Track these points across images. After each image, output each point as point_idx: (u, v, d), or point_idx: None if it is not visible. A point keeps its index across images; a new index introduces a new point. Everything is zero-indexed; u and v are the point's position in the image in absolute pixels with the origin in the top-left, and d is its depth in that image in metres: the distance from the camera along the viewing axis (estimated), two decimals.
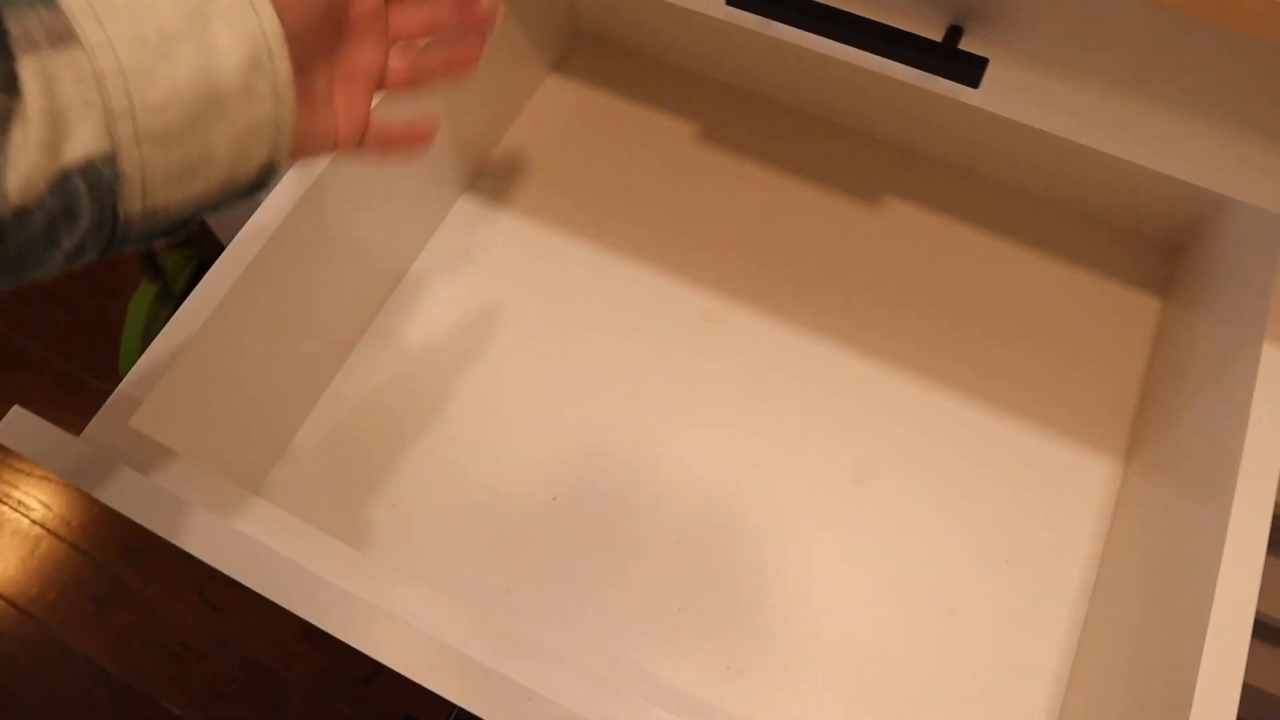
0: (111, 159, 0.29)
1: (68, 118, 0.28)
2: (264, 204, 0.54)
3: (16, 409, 0.46)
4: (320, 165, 0.55)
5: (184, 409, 0.51)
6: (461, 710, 0.57)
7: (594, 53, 0.76)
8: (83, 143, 0.29)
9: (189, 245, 1.29)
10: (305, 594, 0.42)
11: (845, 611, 0.56)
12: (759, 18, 0.48)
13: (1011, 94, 0.46)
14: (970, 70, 0.43)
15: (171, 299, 1.23)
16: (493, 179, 0.71)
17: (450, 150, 0.66)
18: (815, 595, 0.56)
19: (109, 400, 0.49)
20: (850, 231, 0.68)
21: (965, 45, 0.44)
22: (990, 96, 0.46)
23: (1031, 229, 0.68)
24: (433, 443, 0.61)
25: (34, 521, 1.22)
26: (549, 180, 0.70)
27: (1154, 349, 0.63)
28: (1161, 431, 0.57)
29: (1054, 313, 0.65)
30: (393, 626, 0.41)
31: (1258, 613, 0.76)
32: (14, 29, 0.27)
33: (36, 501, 1.23)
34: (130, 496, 0.44)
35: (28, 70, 0.27)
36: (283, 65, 0.33)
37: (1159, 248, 0.66)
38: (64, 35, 0.28)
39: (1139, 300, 0.65)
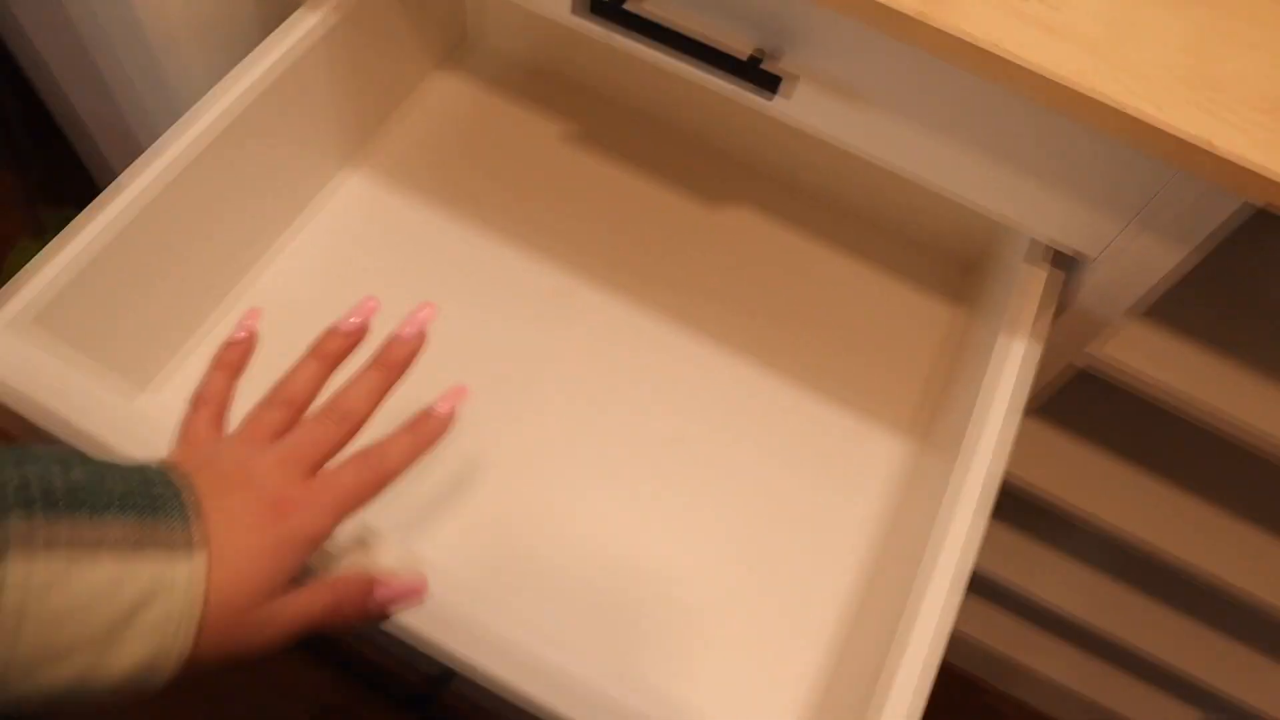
0: None
1: None
2: (154, 152, 0.58)
3: None
4: (204, 121, 0.59)
5: (79, 319, 0.55)
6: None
7: (477, 56, 0.83)
8: None
9: (73, 203, 1.30)
10: None
11: (658, 556, 0.63)
12: (603, 30, 0.56)
13: (803, 109, 0.54)
14: (767, 84, 0.51)
15: None
16: (369, 158, 0.76)
17: (332, 128, 0.72)
18: (631, 545, 0.63)
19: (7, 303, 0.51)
20: (691, 231, 0.76)
21: (768, 66, 0.53)
22: (786, 109, 0.55)
23: (850, 241, 0.77)
24: None
25: None
26: (422, 165, 0.77)
27: (942, 346, 0.73)
28: (937, 413, 0.66)
29: (862, 312, 0.74)
30: None
31: (982, 570, 0.89)
32: None
33: None
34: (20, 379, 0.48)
35: None
36: (166, 674, 0.34)
37: (955, 264, 0.76)
38: None
39: (934, 306, 0.75)
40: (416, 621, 0.44)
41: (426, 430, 0.43)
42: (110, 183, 0.58)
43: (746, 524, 0.65)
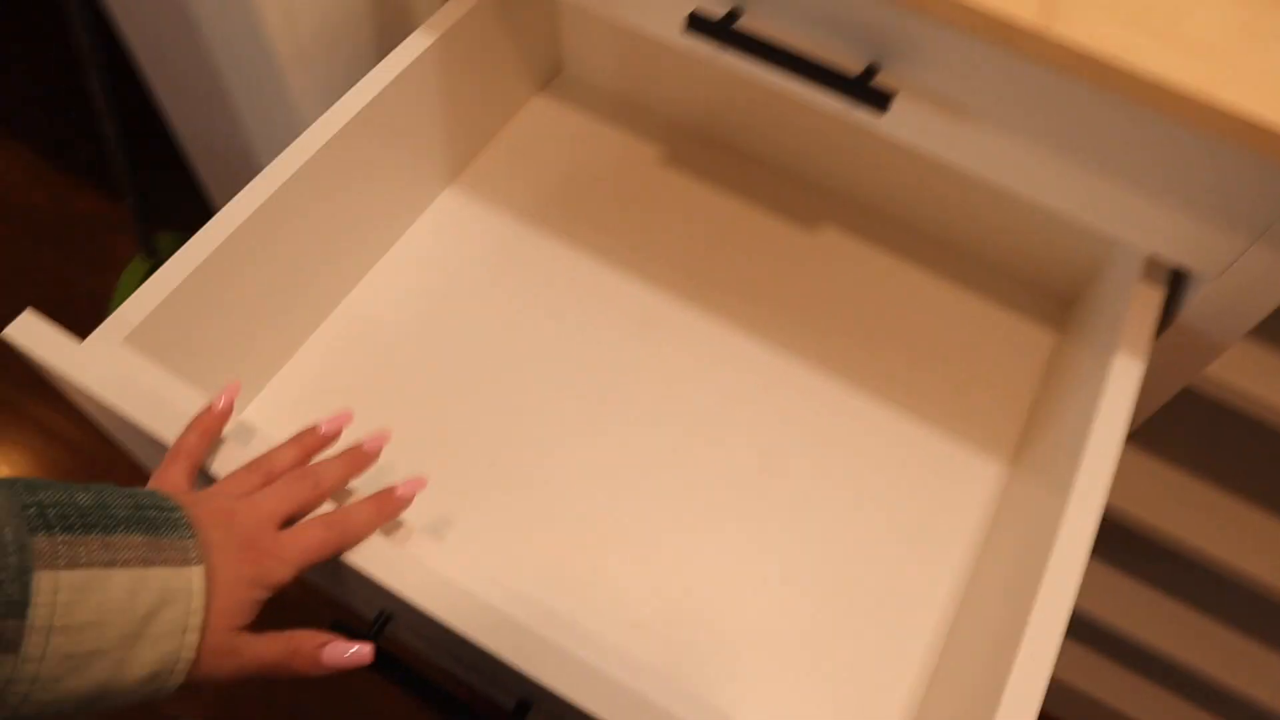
0: None
1: None
2: (261, 175, 0.60)
3: (29, 312, 0.50)
4: (316, 145, 0.61)
5: (169, 340, 0.57)
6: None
7: (574, 82, 0.85)
8: None
9: (183, 228, 1.36)
10: None
11: (744, 585, 0.63)
12: (712, 49, 0.57)
13: (909, 127, 0.55)
14: (878, 100, 0.52)
15: None
16: (473, 179, 0.79)
17: (439, 148, 0.74)
18: (718, 568, 0.63)
19: (108, 319, 0.53)
20: (784, 255, 0.77)
21: (878, 81, 0.53)
22: (892, 127, 0.55)
23: (946, 268, 0.77)
24: (382, 414, 0.68)
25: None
26: (523, 187, 0.79)
27: (1041, 372, 0.71)
28: (1036, 439, 0.65)
29: (959, 338, 0.73)
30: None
31: (1085, 614, 0.84)
32: None
33: (7, 463, 1.28)
34: (130, 399, 0.49)
35: None
36: (178, 679, 0.39)
37: (1055, 293, 0.75)
38: (10, 644, 0.33)
39: (1033, 331, 0.74)
40: (494, 641, 0.44)
41: (387, 506, 0.47)
42: (218, 189, 0.60)
43: (834, 550, 0.64)
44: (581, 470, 0.66)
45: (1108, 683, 0.99)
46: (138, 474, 1.25)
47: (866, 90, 0.52)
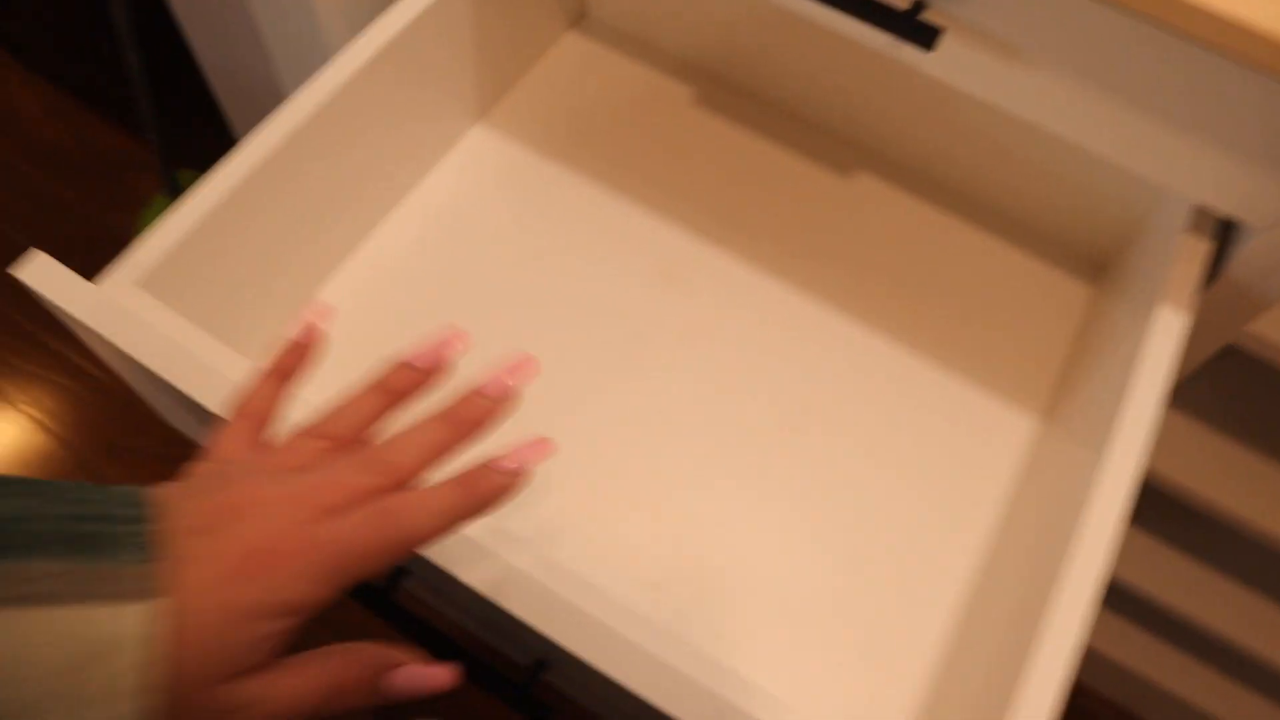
0: None
1: None
2: (280, 110, 0.58)
3: (38, 253, 0.47)
4: (340, 80, 0.59)
5: (188, 281, 0.55)
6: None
7: (602, 22, 0.83)
8: None
9: (206, 166, 1.35)
10: None
11: (764, 544, 0.62)
12: None
13: (955, 65, 0.53)
14: (926, 35, 0.50)
15: None
16: (501, 117, 0.77)
17: (467, 84, 0.73)
18: (738, 527, 0.62)
19: (119, 259, 0.51)
20: (817, 203, 0.75)
21: (925, 16, 0.51)
22: (937, 65, 0.53)
23: (984, 223, 0.75)
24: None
25: (39, 425, 1.27)
26: (551, 126, 0.77)
27: (1080, 328, 0.70)
28: (1073, 393, 0.64)
29: (993, 291, 0.72)
30: None
31: (1119, 581, 0.83)
32: None
33: (40, 408, 1.28)
34: (141, 344, 0.48)
35: None
36: None
37: (1096, 249, 0.73)
38: None
39: (1071, 286, 0.72)
40: (519, 606, 0.43)
41: (481, 490, 0.33)
42: (241, 117, 0.58)
43: (857, 509, 0.63)
44: (600, 423, 0.65)
45: (1142, 653, 0.98)
46: None
47: (914, 25, 0.50)
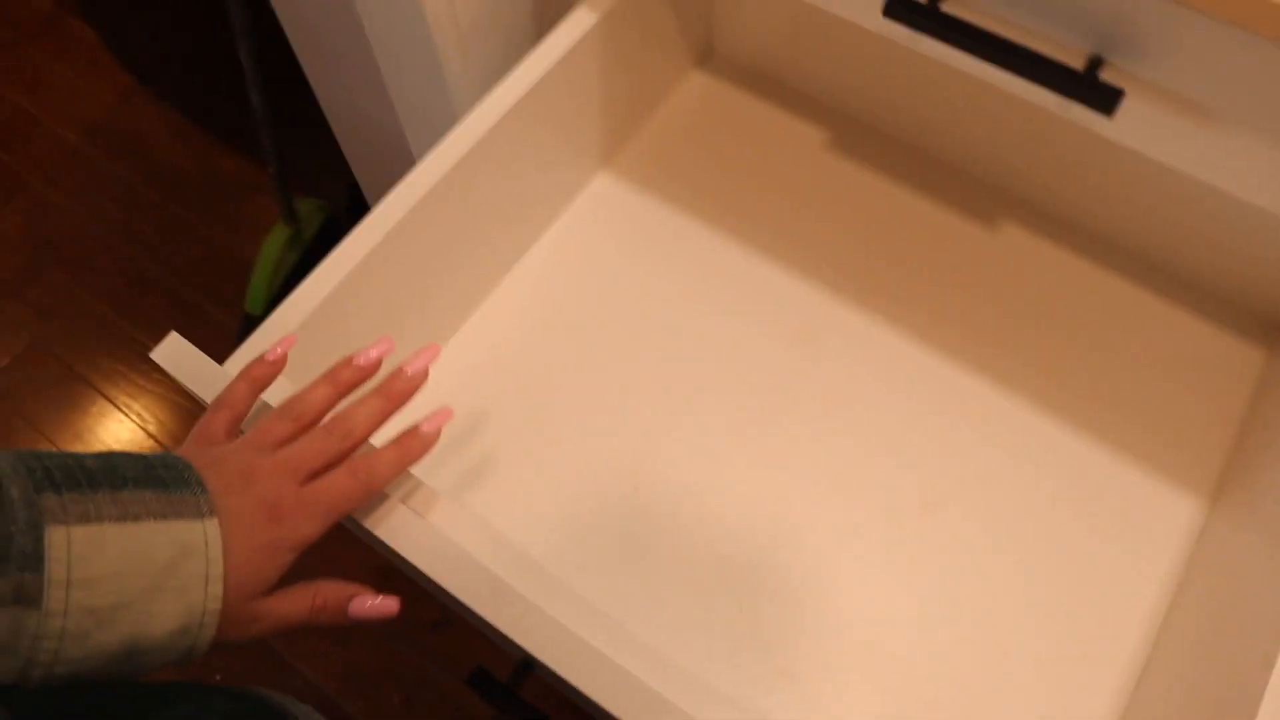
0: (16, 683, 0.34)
1: None
2: (415, 171, 0.57)
3: (174, 335, 0.51)
4: (474, 137, 0.58)
5: (316, 353, 0.54)
6: (525, 664, 0.60)
7: (727, 61, 0.80)
8: None
9: (322, 195, 1.36)
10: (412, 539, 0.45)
11: (898, 634, 0.58)
12: (909, 32, 0.51)
13: (1143, 128, 0.48)
14: (1106, 99, 0.45)
15: (301, 244, 1.31)
16: (628, 162, 0.75)
17: (595, 130, 0.70)
18: (872, 615, 0.58)
19: (253, 335, 0.53)
20: (955, 257, 0.70)
21: (1104, 76, 0.47)
22: (1122, 128, 0.48)
23: (1146, 282, 0.69)
24: (528, 414, 0.65)
25: (149, 434, 1.31)
26: (677, 172, 0.74)
27: (1254, 397, 0.64)
28: (1247, 473, 0.58)
29: (1158, 354, 0.66)
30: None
31: None
32: None
33: (153, 417, 1.32)
34: None
35: None
36: (208, 633, 0.38)
37: (1271, 315, 0.67)
38: (31, 599, 0.33)
39: (1244, 355, 0.66)
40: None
41: (412, 446, 0.45)
42: (368, 178, 0.58)
43: (998, 596, 0.59)
44: (721, 490, 0.62)
45: None
46: None
47: (1092, 87, 0.46)
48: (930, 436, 0.63)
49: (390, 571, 1.20)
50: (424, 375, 0.47)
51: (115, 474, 0.37)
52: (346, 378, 0.46)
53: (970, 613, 0.58)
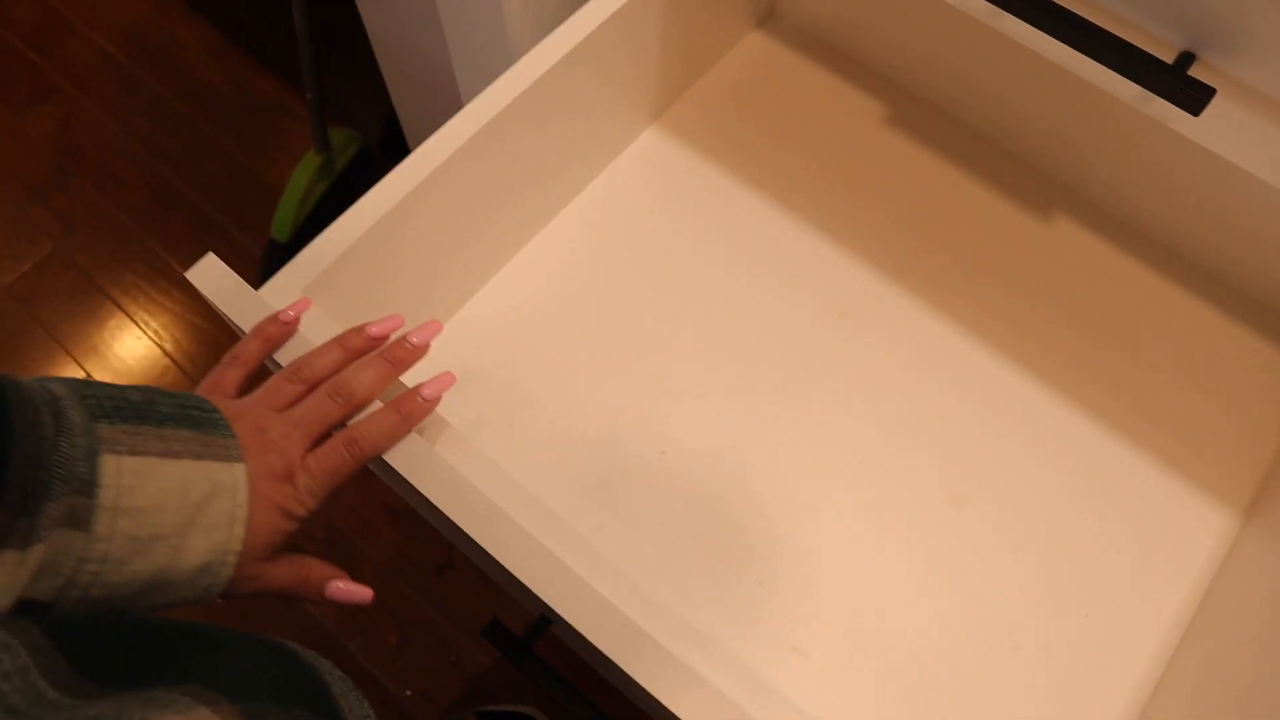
0: (50, 608, 0.35)
1: (37, 577, 0.34)
2: (463, 112, 0.56)
3: (210, 256, 0.50)
4: (526, 81, 0.56)
5: (348, 290, 0.54)
6: (542, 619, 0.59)
7: (789, 24, 0.78)
8: (36, 592, 0.34)
9: (356, 126, 1.34)
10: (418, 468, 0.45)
11: (912, 622, 0.57)
12: (991, 8, 0.49)
13: (1229, 131, 0.46)
14: (1194, 98, 0.44)
15: (331, 174, 1.29)
16: (678, 118, 0.73)
17: (649, 83, 0.69)
18: (887, 601, 0.58)
19: (289, 265, 0.52)
20: (1003, 243, 0.68)
21: (1194, 73, 0.45)
22: (1206, 129, 0.47)
23: (1198, 289, 0.67)
24: (553, 372, 0.64)
25: (165, 352, 1.30)
26: (731, 131, 0.73)
27: None
28: None
29: (1203, 360, 0.64)
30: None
31: None
32: (50, 511, 0.33)
33: (170, 335, 1.31)
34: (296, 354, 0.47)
35: (37, 540, 0.33)
36: (227, 572, 0.39)
37: None
38: (81, 522, 0.34)
39: None
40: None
41: (411, 411, 0.45)
42: (410, 114, 0.56)
43: (1020, 594, 0.58)
44: (760, 463, 0.61)
45: None
46: None
47: (1181, 83, 0.44)
48: (961, 426, 0.62)
49: (398, 512, 1.20)
50: (425, 348, 0.48)
51: (156, 410, 0.39)
52: (357, 345, 0.47)
53: (986, 608, 0.57)
